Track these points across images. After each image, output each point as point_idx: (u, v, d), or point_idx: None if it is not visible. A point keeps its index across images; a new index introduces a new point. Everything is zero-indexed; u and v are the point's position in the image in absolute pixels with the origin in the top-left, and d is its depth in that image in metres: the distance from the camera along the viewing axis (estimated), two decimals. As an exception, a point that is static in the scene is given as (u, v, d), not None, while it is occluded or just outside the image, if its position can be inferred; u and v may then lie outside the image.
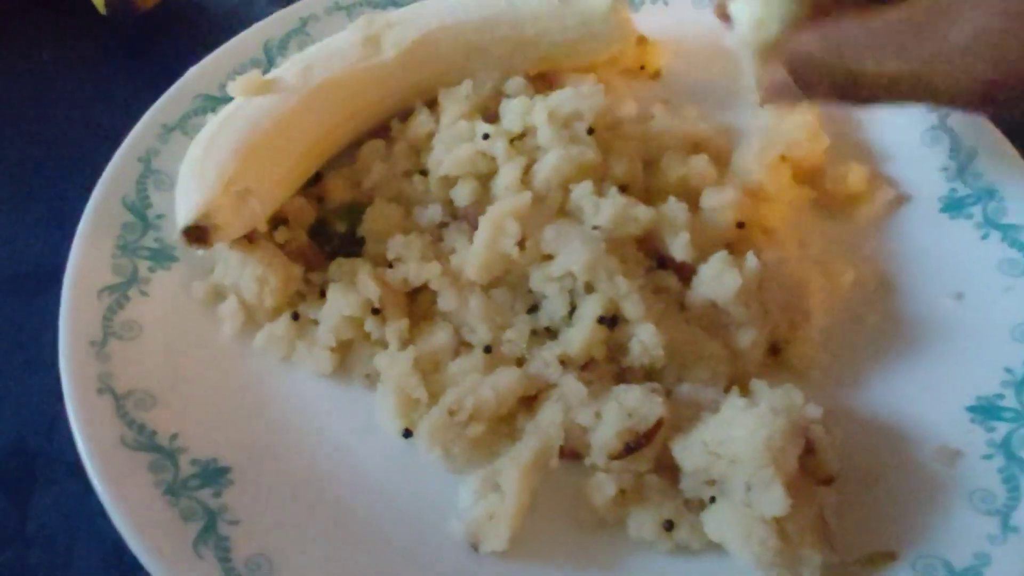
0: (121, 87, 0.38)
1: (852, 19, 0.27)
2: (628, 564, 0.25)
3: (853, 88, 0.27)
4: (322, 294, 0.29)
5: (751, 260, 0.29)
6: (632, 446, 0.25)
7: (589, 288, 0.28)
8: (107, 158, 0.33)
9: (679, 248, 0.29)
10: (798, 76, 0.28)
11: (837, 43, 0.27)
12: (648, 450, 0.25)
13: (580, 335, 0.27)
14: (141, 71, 0.39)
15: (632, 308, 0.27)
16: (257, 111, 0.30)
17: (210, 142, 0.29)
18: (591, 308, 0.27)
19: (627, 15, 0.37)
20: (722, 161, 0.34)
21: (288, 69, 0.32)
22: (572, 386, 0.26)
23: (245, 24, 0.38)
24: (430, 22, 0.34)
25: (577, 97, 0.32)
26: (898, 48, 0.26)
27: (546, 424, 0.26)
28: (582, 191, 0.29)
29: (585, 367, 0.27)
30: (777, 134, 0.34)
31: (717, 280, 0.28)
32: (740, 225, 0.32)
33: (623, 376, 0.28)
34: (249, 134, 0.29)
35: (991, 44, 0.26)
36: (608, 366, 0.28)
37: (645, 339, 0.27)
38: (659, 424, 0.25)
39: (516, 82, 0.34)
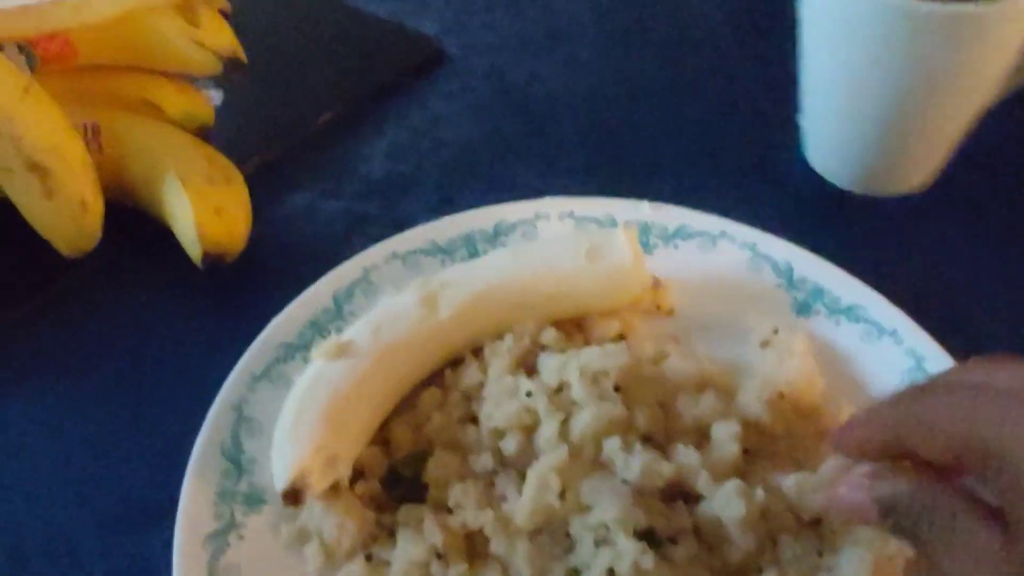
0: (212, 331, 0.44)
1: None
2: None
3: None
4: (391, 534, 0.34)
5: (759, 493, 0.34)
6: None
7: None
8: (198, 399, 0.39)
9: (702, 485, 0.34)
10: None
11: None
12: None
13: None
14: (231, 314, 0.45)
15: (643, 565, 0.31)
16: (336, 376, 0.36)
17: (300, 409, 0.35)
18: (605, 559, 0.32)
19: (644, 267, 0.43)
20: (729, 396, 0.39)
21: (360, 332, 0.38)
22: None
23: (331, 263, 0.44)
24: (478, 284, 0.40)
25: (604, 355, 0.38)
26: None
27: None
28: (612, 446, 0.35)
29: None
30: (776, 375, 0.40)
31: (727, 505, 0.33)
32: (746, 451, 0.37)
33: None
34: (331, 400, 0.35)
35: None
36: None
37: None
38: None
39: (550, 334, 0.40)
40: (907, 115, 0.45)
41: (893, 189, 0.50)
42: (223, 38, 0.49)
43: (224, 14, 0.54)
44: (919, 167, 0.49)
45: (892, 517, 0.27)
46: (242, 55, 0.50)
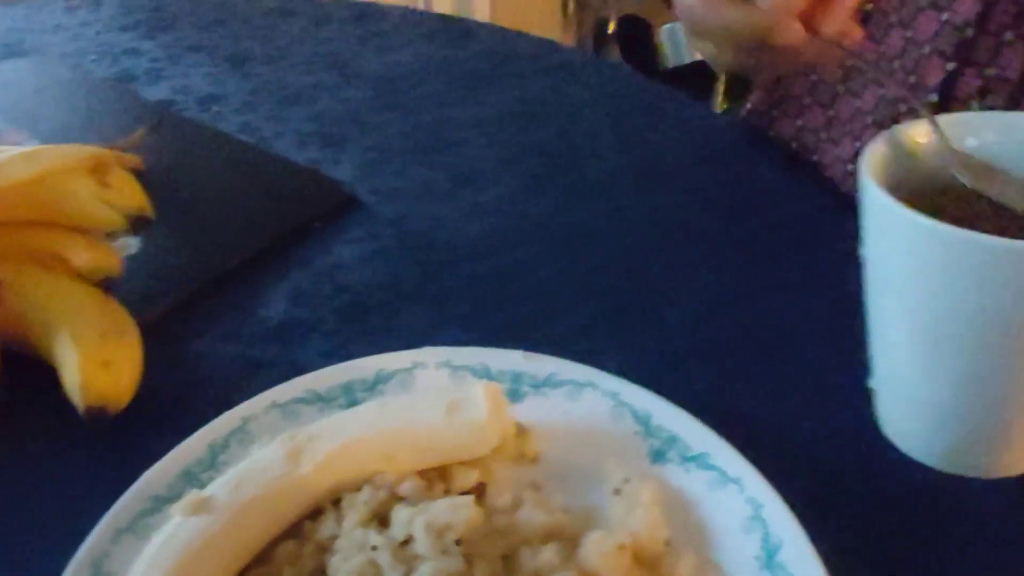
0: (93, 482, 0.46)
1: None
2: None
3: None
4: None
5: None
6: None
7: None
8: (64, 553, 0.40)
9: None
10: None
11: None
12: None
13: None
14: (115, 464, 0.46)
15: None
16: (189, 533, 0.38)
17: (147, 570, 0.37)
18: None
19: (506, 417, 0.46)
20: (573, 546, 0.41)
21: (220, 487, 0.40)
22: None
23: (221, 411, 0.46)
24: (342, 436, 0.43)
25: (450, 509, 0.40)
26: None
27: None
28: (448, 601, 0.37)
29: None
30: (622, 524, 0.42)
31: None
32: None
33: None
34: (180, 560, 0.37)
35: None
36: None
37: None
38: None
39: (409, 485, 0.42)
40: (1006, 377, 0.35)
41: (992, 472, 0.39)
42: (130, 197, 0.53)
43: (137, 171, 0.58)
44: None
45: None
46: (148, 211, 0.54)
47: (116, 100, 0.80)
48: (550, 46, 0.95)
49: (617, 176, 0.70)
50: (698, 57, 2.41)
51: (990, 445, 0.38)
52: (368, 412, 0.44)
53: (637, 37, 2.52)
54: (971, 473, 0.39)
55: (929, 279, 0.35)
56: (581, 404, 0.49)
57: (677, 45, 2.45)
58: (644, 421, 0.47)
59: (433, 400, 0.44)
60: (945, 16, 0.59)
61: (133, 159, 0.58)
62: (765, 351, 0.54)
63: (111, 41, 0.91)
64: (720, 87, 2.47)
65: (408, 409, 0.44)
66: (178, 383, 0.52)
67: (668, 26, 2.37)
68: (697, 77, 2.36)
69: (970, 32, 0.57)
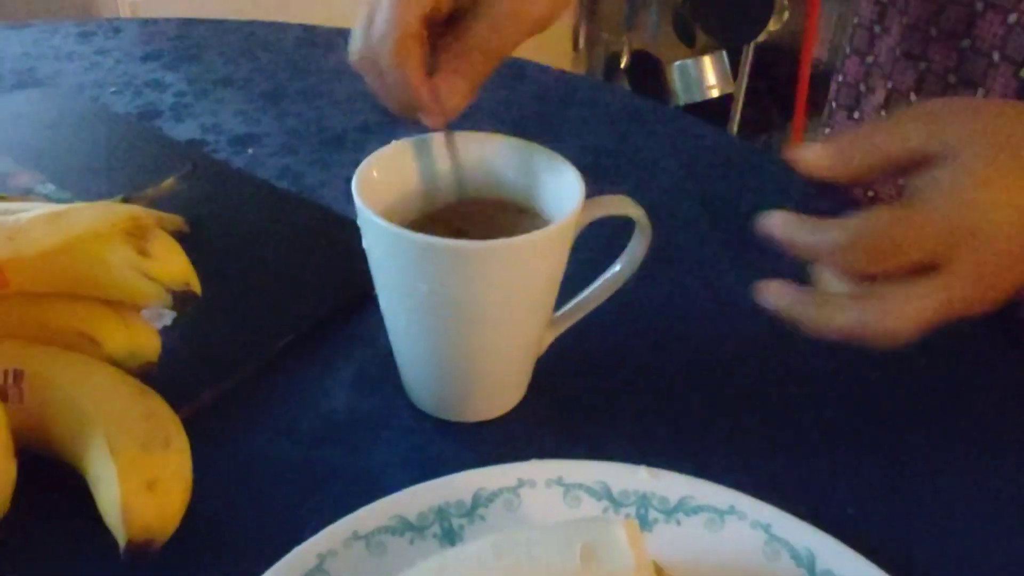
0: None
1: None
2: None
3: None
4: None
5: None
6: None
7: None
8: None
9: None
10: None
11: None
12: None
13: None
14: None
15: None
16: None
17: None
18: None
19: (648, 562, 0.37)
20: None
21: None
22: None
23: (282, 536, 0.37)
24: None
25: None
26: None
27: None
28: None
29: None
30: None
31: None
32: None
33: None
34: None
35: None
36: None
37: None
38: None
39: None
40: (451, 346, 0.44)
41: (478, 416, 0.47)
42: (174, 267, 0.44)
43: (180, 233, 0.50)
44: (494, 394, 0.47)
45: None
46: (196, 285, 0.45)
47: (140, 139, 0.71)
48: (608, 88, 0.88)
49: (707, 245, 0.62)
50: (710, 95, 2.37)
51: (463, 398, 0.46)
52: (484, 555, 0.35)
53: (648, 73, 2.47)
54: (458, 419, 0.47)
55: (396, 271, 0.41)
56: (724, 537, 0.40)
57: (688, 82, 2.40)
58: (807, 563, 0.39)
59: (560, 541, 0.36)
60: None
61: (175, 220, 0.50)
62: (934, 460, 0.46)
63: (132, 71, 0.83)
64: (734, 125, 2.42)
65: (530, 557, 0.36)
66: (230, 498, 0.43)
67: (679, 63, 2.33)
68: (709, 114, 2.31)
69: None
